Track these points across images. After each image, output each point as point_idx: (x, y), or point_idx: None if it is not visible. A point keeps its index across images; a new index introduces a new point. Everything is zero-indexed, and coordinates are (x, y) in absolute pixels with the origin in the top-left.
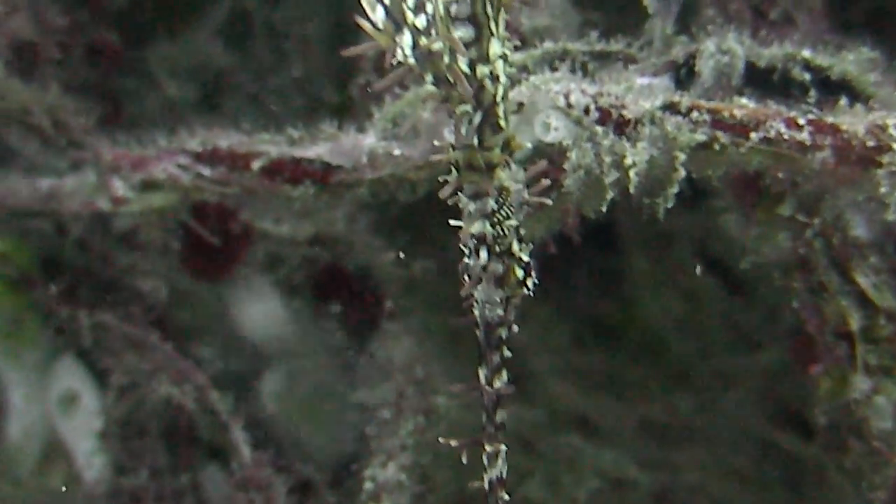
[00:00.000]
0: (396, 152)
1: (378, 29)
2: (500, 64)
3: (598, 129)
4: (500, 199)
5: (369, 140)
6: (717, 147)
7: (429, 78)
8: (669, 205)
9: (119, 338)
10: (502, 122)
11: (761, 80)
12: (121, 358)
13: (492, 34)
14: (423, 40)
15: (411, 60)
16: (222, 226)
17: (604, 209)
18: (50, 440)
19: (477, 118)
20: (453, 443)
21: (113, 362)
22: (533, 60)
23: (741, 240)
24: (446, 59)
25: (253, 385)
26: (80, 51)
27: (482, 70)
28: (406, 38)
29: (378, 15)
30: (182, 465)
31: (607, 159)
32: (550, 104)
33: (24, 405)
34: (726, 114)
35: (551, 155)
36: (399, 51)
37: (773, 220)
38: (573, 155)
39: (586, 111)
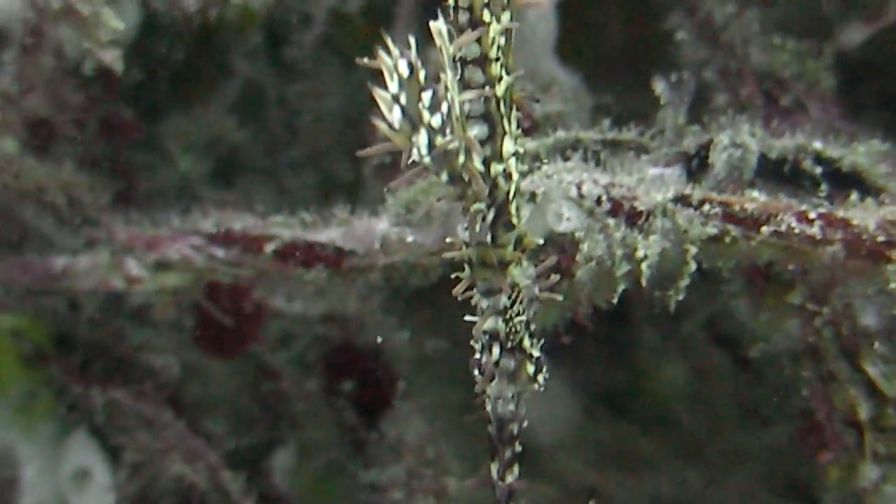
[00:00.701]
0: (409, 238)
1: (394, 129)
2: (512, 161)
3: (610, 220)
4: (513, 296)
5: (382, 225)
6: (728, 240)
7: (444, 176)
8: (680, 297)
9: (132, 415)
10: (514, 220)
11: (773, 172)
12: (133, 435)
13: (505, 132)
14: (440, 140)
15: (427, 160)
16: (235, 304)
17: (615, 301)
18: None
19: (490, 215)
20: None
21: (125, 439)
22: (545, 149)
23: (751, 325)
24: (462, 159)
25: (265, 462)
26: (95, 126)
27: (496, 168)
28: (422, 138)
29: (395, 115)
30: None
31: (619, 251)
32: (563, 194)
33: (37, 480)
34: (737, 207)
35: (563, 245)
36: (415, 150)
37: (782, 307)
38: (585, 246)
39: (598, 202)
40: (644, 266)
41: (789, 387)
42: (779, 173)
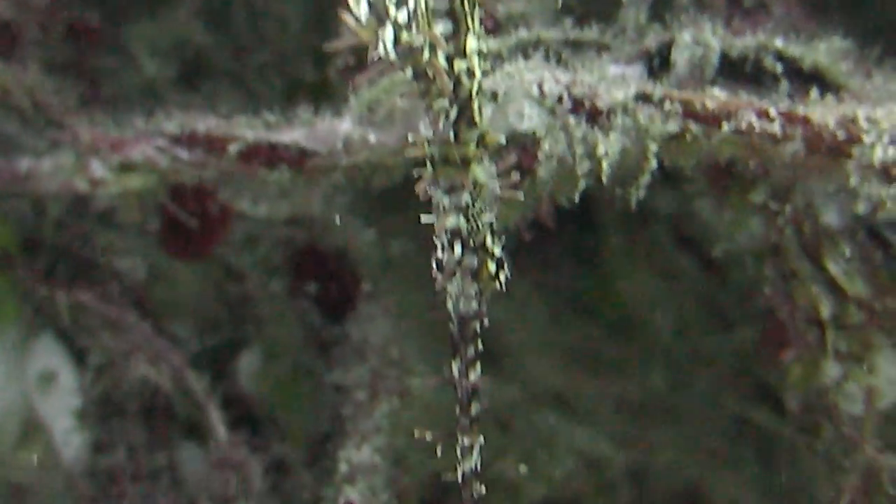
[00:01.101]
0: (372, 138)
1: (360, 24)
2: (475, 59)
3: (571, 118)
4: (475, 194)
5: (345, 126)
6: (688, 138)
7: (408, 72)
8: (641, 194)
9: (97, 317)
10: (477, 118)
11: (734, 70)
12: (98, 337)
13: (468, 29)
14: (405, 35)
15: (392, 56)
16: (200, 206)
17: (576, 198)
18: (28, 419)
19: (453, 113)
20: (428, 435)
21: (91, 342)
22: (507, 48)
23: (714, 224)
24: (426, 55)
25: (230, 364)
26: (60, 30)
27: (459, 65)
28: (388, 33)
29: (362, 9)
30: (159, 443)
31: (580, 149)
32: (524, 93)
33: (3, 383)
34: (698, 104)
35: (525, 143)
36: (381, 45)
37: (745, 206)
38: (546, 144)
39: (559, 100)
40: (605, 163)
41: (753, 287)
42: (740, 72)
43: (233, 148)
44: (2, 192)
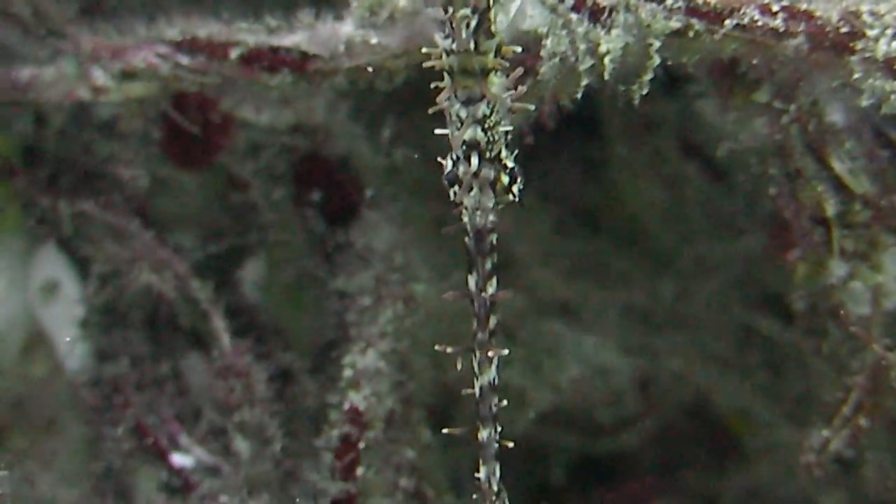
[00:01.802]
0: (374, 41)
1: None
2: None
3: (573, 16)
4: (492, 105)
5: (346, 28)
6: (691, 34)
7: None
8: (644, 91)
9: (100, 226)
10: (493, 27)
11: None
12: (101, 246)
13: None
14: None
15: None
16: (202, 115)
17: (579, 96)
18: (31, 329)
19: (473, 23)
20: (449, 349)
21: (94, 251)
22: None
23: (719, 125)
24: None
25: (234, 273)
26: None
27: None
28: None
29: None
30: (163, 353)
31: (582, 46)
32: None
33: (6, 294)
34: (700, 0)
35: (527, 42)
36: None
37: (749, 105)
38: (548, 42)
39: None
40: (607, 60)
41: (758, 190)
42: None
43: (234, 52)
44: (3, 101)
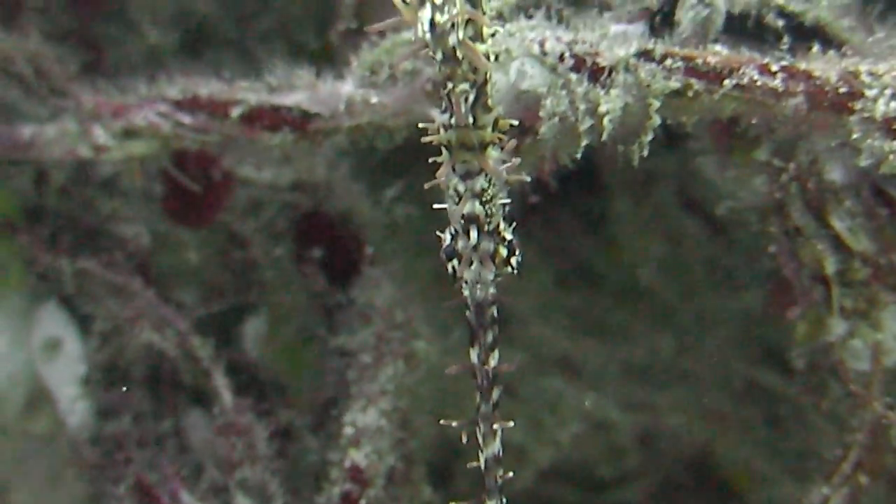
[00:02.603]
0: (374, 100)
1: (405, 2)
2: (490, 42)
3: (573, 76)
4: (490, 178)
5: (347, 88)
6: (690, 94)
7: (438, 55)
8: (644, 153)
9: (101, 284)
10: (490, 101)
11: (735, 27)
12: (103, 304)
13: (485, 12)
14: (438, 16)
15: (428, 37)
16: (203, 172)
17: (578, 156)
18: (33, 386)
19: (472, 97)
20: (454, 424)
21: (96, 309)
22: (508, 7)
23: (719, 183)
24: (461, 35)
25: (235, 330)
26: None
27: (480, 48)
28: (426, 14)
29: None
30: (165, 410)
31: (582, 106)
32: (525, 51)
33: (8, 351)
34: (700, 61)
35: (526, 102)
36: (419, 27)
37: (749, 163)
38: (548, 102)
39: (561, 58)
40: (606, 121)
41: (758, 247)
42: (742, 28)
43: (235, 111)
44: (4, 159)
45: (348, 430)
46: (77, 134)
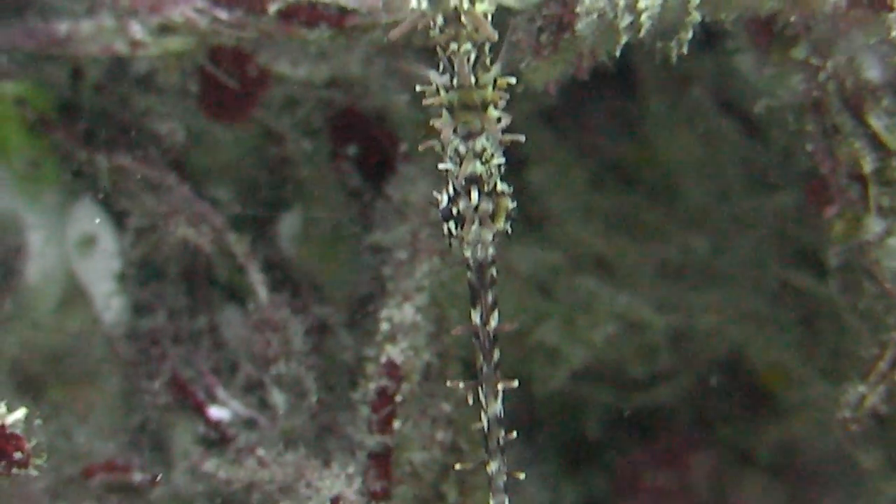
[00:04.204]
0: None
1: None
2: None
3: None
4: (488, 138)
5: None
6: None
7: (439, 19)
8: (684, 50)
9: (137, 180)
10: (489, 61)
11: None
12: (138, 200)
13: None
14: None
15: (424, 5)
16: (239, 69)
17: (617, 53)
18: (69, 283)
19: (472, 56)
20: (460, 385)
21: (131, 204)
22: None
23: (755, 82)
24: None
25: (269, 227)
26: None
27: (480, 7)
28: None
29: None
30: (200, 306)
31: (621, 3)
32: None
33: (43, 248)
34: None
35: None
36: (415, 1)
37: (787, 62)
38: None
39: None
40: (645, 17)
41: (794, 147)
42: None
43: (272, 7)
44: (40, 54)
45: (384, 326)
46: (114, 30)
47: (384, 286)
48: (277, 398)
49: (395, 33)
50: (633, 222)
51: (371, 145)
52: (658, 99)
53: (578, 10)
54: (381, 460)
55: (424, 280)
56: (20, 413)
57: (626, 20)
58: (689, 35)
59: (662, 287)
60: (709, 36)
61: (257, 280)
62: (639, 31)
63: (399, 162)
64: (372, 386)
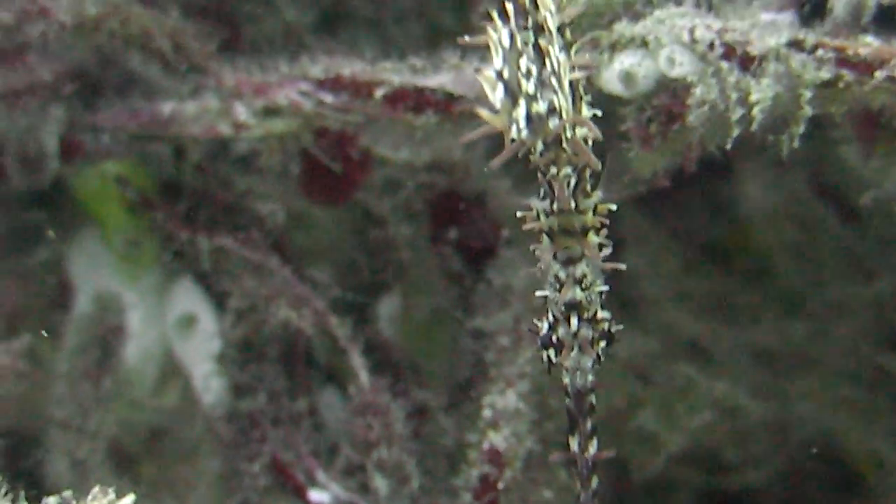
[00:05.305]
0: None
1: (496, 111)
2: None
3: (724, 64)
4: (588, 264)
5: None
6: (841, 85)
7: (539, 146)
8: (795, 144)
9: (238, 261)
10: (588, 186)
11: (887, 17)
12: (239, 281)
13: (581, 97)
14: (535, 107)
15: (525, 134)
16: (341, 151)
17: (728, 146)
18: (167, 363)
19: (573, 181)
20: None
21: (232, 285)
22: None
23: (858, 170)
24: (564, 119)
25: (370, 310)
26: None
27: (581, 132)
28: (521, 111)
29: (498, 94)
30: (300, 389)
31: (733, 95)
32: (675, 39)
33: (143, 328)
34: (851, 52)
35: (675, 89)
36: (515, 128)
37: (893, 153)
38: (698, 90)
39: (711, 46)
40: (756, 110)
41: (891, 233)
42: (893, 18)
43: (379, 92)
44: (144, 135)
45: (487, 413)
46: (218, 111)
47: (485, 371)
48: (379, 482)
49: (495, 163)
50: (728, 307)
51: (472, 229)
52: (754, 183)
53: (689, 101)
54: None
55: (527, 366)
56: (129, 500)
57: (737, 113)
58: (802, 129)
59: (758, 374)
60: (811, 126)
61: (359, 364)
62: (750, 124)
63: (500, 246)
64: (474, 472)
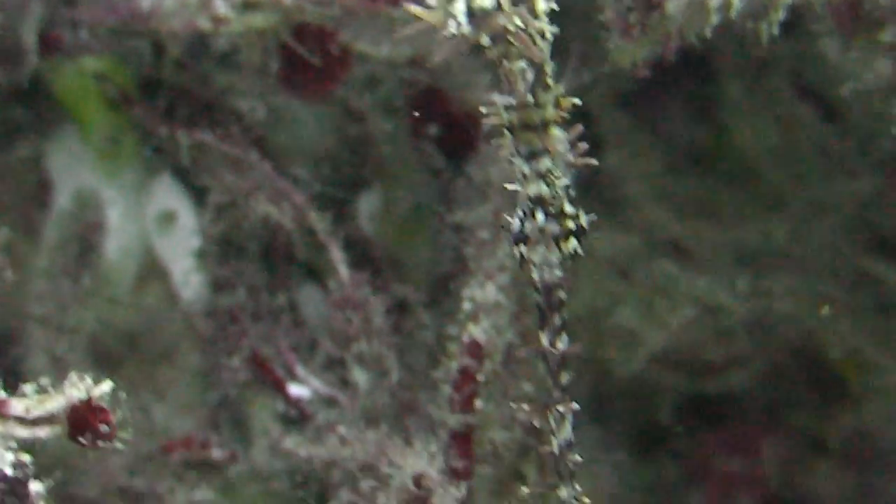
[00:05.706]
0: None
1: (429, 7)
2: (545, 20)
3: None
4: (554, 158)
5: None
6: None
7: (485, 40)
8: (774, 31)
9: (218, 157)
10: (549, 80)
11: None
12: (219, 176)
13: None
14: (479, 1)
15: (466, 28)
16: (321, 46)
17: (707, 34)
18: (147, 259)
19: (530, 76)
20: (525, 407)
21: (211, 181)
22: None
23: (839, 65)
24: (510, 20)
25: (350, 205)
26: None
27: (539, 25)
28: (460, 6)
29: None
30: (279, 284)
31: None
32: None
33: (122, 224)
34: None
35: None
36: (452, 23)
37: (873, 45)
38: None
39: None
40: None
41: (874, 132)
42: None
43: None
44: (122, 29)
45: (467, 305)
46: (197, 5)
47: (465, 265)
48: (358, 376)
49: (436, 58)
50: (709, 206)
51: (452, 124)
52: (735, 84)
53: None
54: (463, 439)
55: (507, 260)
56: (106, 386)
57: (716, 0)
58: (781, 15)
59: (739, 272)
60: (790, 19)
61: (338, 258)
62: (729, 10)
63: (480, 141)
64: (454, 365)
